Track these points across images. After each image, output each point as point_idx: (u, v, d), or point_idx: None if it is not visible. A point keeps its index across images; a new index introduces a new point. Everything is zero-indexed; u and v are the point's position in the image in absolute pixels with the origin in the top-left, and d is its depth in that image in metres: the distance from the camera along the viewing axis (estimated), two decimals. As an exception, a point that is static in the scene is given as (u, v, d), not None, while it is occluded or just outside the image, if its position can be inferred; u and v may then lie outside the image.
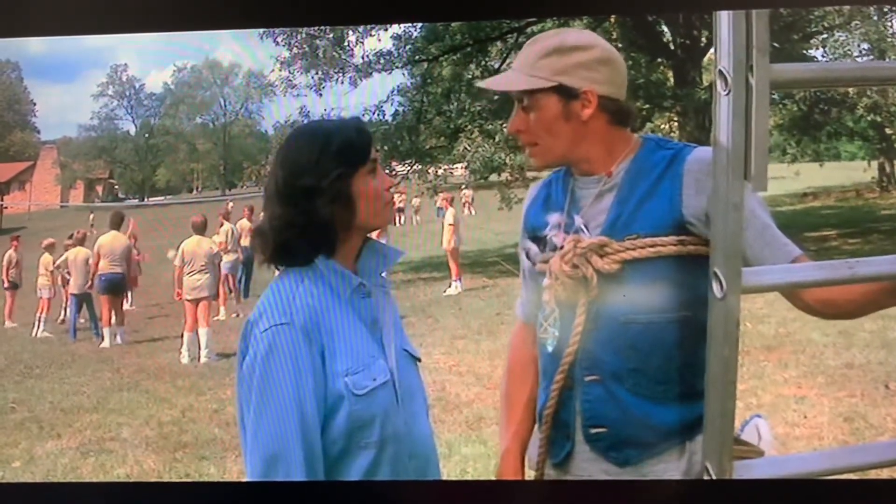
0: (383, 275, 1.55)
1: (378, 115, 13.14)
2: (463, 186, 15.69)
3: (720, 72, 1.24)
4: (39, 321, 9.54)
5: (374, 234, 1.57)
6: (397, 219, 18.84)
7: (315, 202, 1.42)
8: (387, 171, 1.55)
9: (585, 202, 1.56)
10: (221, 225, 10.53)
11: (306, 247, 1.44)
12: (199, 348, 7.45)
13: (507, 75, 1.58)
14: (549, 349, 1.57)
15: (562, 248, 1.54)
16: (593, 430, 1.52)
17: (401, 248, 1.60)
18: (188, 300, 7.64)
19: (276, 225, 1.45)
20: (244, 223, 11.27)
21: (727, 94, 1.23)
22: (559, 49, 1.52)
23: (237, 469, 4.26)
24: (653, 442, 1.49)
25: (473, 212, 18.40)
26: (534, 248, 1.63)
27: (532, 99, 1.54)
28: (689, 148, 1.53)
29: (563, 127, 1.53)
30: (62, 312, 9.80)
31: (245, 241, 11.03)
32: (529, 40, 1.59)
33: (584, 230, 1.53)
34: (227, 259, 10.24)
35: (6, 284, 10.56)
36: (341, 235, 1.46)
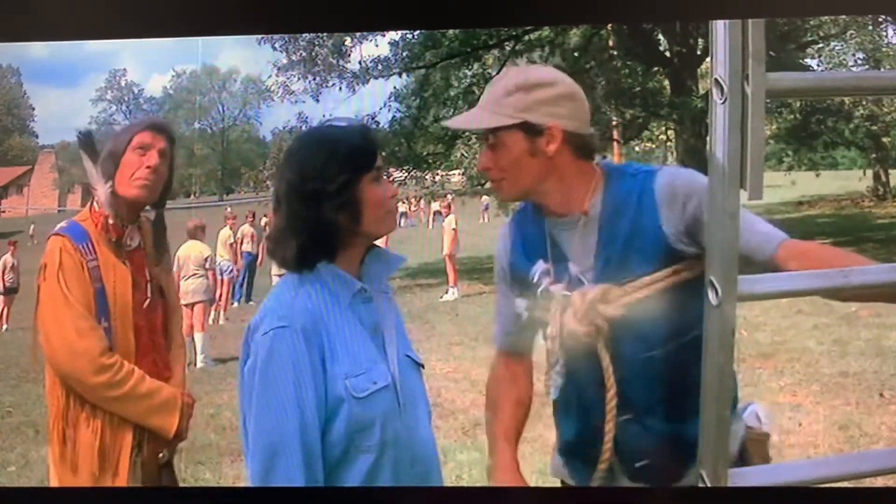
0: (386, 280, 1.55)
1: (374, 121, 13.16)
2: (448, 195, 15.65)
3: (716, 80, 1.24)
4: None
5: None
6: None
7: (320, 206, 1.42)
8: (386, 177, 1.56)
9: (568, 246, 1.58)
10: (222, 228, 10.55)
11: (308, 251, 1.44)
12: (196, 353, 7.42)
13: (472, 114, 1.61)
14: (554, 396, 1.61)
15: (558, 296, 1.56)
16: (637, 465, 1.55)
17: (404, 255, 1.61)
18: (184, 304, 7.62)
19: (281, 228, 1.46)
20: (246, 228, 11.28)
21: (723, 102, 1.23)
22: (522, 86, 1.55)
23: (233, 474, 4.25)
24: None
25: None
26: (525, 298, 1.64)
27: (498, 136, 1.56)
28: (651, 174, 1.56)
29: (530, 162, 1.56)
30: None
31: (247, 246, 11.04)
32: (494, 78, 1.63)
33: (582, 279, 1.56)
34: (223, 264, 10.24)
35: (2, 289, 10.54)
36: (345, 241, 1.46)
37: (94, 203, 2.00)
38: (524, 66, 1.66)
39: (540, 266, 1.60)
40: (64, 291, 1.90)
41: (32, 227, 20.01)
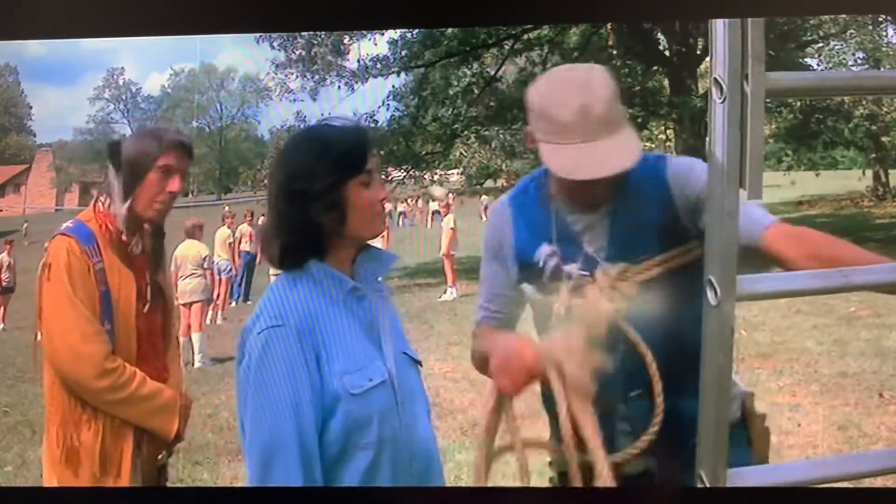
0: (379, 279, 1.54)
1: (373, 120, 13.17)
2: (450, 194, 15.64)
3: (715, 80, 1.23)
4: None
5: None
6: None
7: (306, 207, 1.41)
8: (382, 177, 1.54)
9: (579, 228, 1.58)
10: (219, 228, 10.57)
11: (294, 250, 1.44)
12: (193, 353, 7.41)
13: (618, 146, 1.49)
14: None
15: (570, 277, 1.56)
16: (644, 438, 1.54)
17: (397, 253, 1.61)
18: (181, 304, 7.61)
19: (271, 226, 1.46)
20: (244, 227, 11.27)
21: (722, 101, 1.23)
22: (593, 88, 1.51)
23: (230, 474, 4.24)
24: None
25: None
26: (527, 281, 1.64)
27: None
28: (661, 159, 1.58)
29: None
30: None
31: (245, 246, 11.05)
32: (577, 106, 1.50)
33: (596, 258, 1.56)
34: (221, 263, 10.24)
35: (-1, 288, 10.55)
36: (334, 241, 1.45)
37: (99, 203, 1.98)
38: (548, 80, 1.58)
39: (545, 249, 1.60)
40: (69, 293, 1.87)
41: (25, 225, 20.05)
